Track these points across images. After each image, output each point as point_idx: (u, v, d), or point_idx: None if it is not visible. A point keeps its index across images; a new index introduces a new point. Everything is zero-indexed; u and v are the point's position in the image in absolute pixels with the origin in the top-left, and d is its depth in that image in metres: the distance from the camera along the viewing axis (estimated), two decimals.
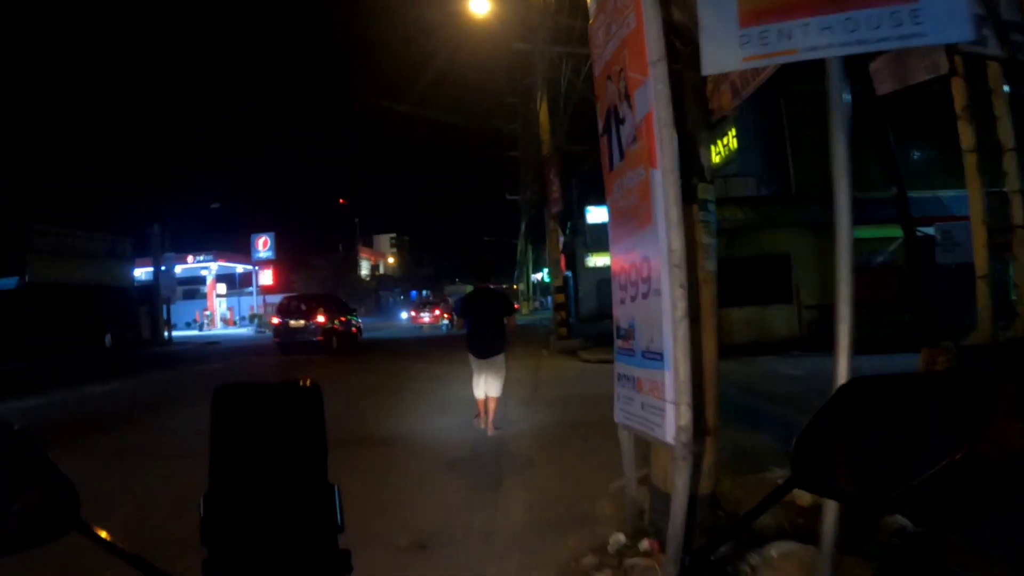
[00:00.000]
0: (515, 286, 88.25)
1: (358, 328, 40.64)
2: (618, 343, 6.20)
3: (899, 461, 1.25)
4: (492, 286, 13.47)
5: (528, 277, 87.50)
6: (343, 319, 36.84)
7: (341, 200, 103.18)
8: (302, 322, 34.03)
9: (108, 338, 46.94)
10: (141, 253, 56.02)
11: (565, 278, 31.60)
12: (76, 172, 59.67)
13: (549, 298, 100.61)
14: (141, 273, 58.34)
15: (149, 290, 54.44)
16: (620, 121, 5.73)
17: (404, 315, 70.53)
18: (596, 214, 51.16)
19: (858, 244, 17.86)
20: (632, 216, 5.59)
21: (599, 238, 51.02)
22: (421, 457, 10.55)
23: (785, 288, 26.38)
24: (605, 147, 6.25)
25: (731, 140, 24.08)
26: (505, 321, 11.94)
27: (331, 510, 1.40)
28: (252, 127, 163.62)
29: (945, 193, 24.66)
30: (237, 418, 1.42)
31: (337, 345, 34.44)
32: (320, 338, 33.51)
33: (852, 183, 4.71)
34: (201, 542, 1.35)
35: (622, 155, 5.79)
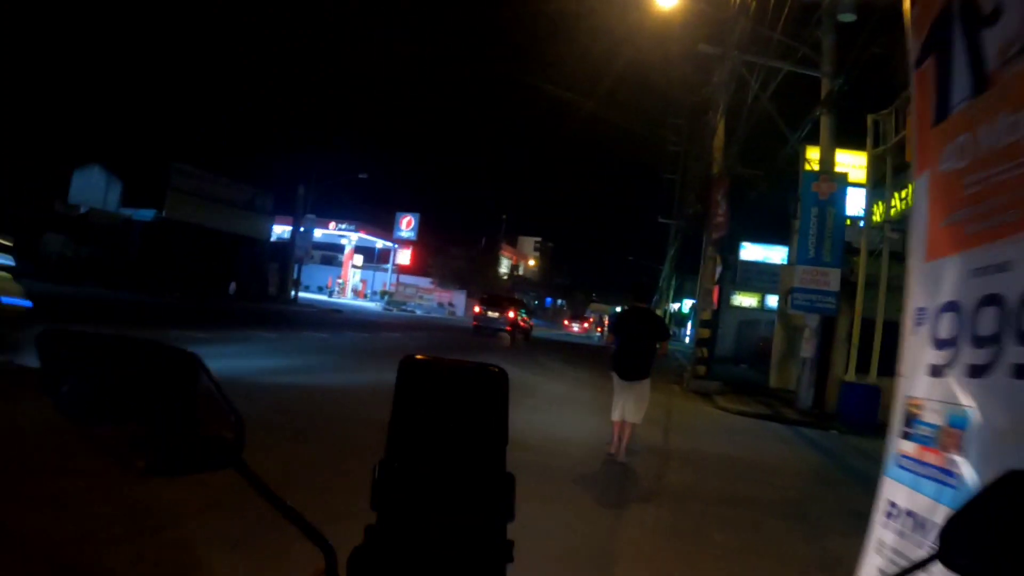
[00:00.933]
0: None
1: (531, 326, 53.39)
2: (904, 447, 3.08)
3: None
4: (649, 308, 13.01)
5: (667, 304, 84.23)
6: (525, 318, 49.90)
7: (495, 200, 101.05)
8: (497, 314, 45.60)
9: (232, 286, 46.31)
10: (283, 211, 55.61)
11: (713, 312, 27.98)
12: (231, 121, 58.66)
13: (683, 329, 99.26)
14: (281, 231, 57.46)
15: (284, 248, 53.84)
16: (984, 21, 2.75)
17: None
18: (750, 251, 48.17)
19: None
20: (1002, 202, 2.55)
21: (749, 277, 48.17)
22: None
23: None
24: (928, 82, 3.21)
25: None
26: (657, 345, 11.56)
27: (506, 497, 1.33)
28: (414, 106, 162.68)
29: None
30: (421, 391, 1.38)
31: (519, 334, 46.26)
32: (508, 328, 45.02)
33: None
34: (371, 506, 1.33)
35: (983, 84, 2.77)
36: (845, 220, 22.71)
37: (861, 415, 19.71)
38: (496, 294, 55.66)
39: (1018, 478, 1.29)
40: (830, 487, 11.77)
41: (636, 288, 12.52)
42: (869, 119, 21.02)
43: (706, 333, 27.66)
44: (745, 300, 51.15)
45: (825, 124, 22.34)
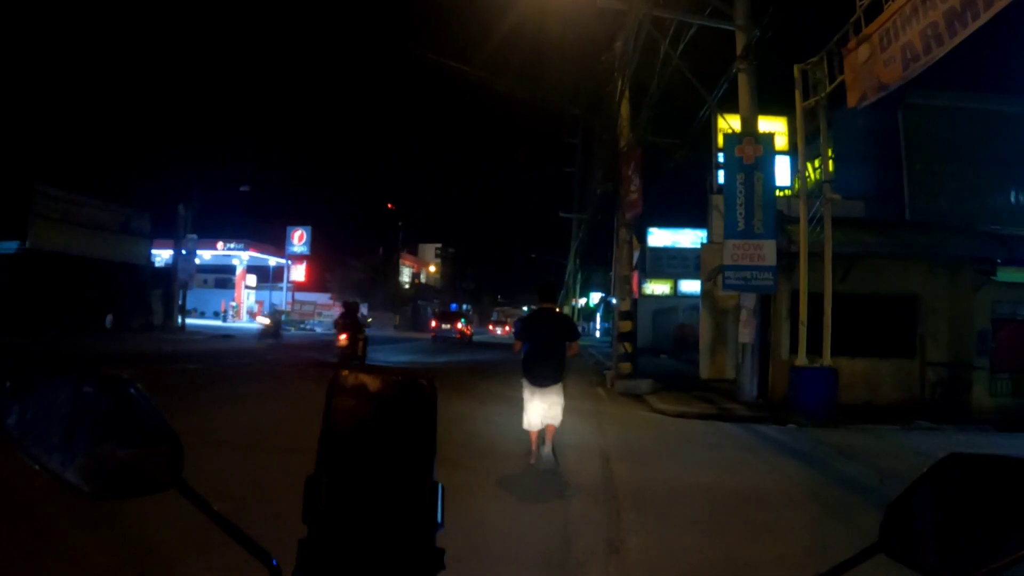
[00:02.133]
0: (557, 309, 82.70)
1: (472, 331, 66.49)
2: None
3: (988, 543, 1.23)
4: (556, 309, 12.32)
5: (574, 299, 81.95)
6: (467, 327, 63.53)
7: (389, 205, 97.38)
8: (449, 326, 60.56)
9: (109, 319, 42.95)
10: (164, 234, 51.99)
11: (633, 302, 24.89)
12: (99, 139, 54.56)
13: (592, 324, 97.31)
14: (165, 255, 54.06)
15: (167, 273, 50.38)
16: None
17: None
18: (659, 237, 45.56)
19: (1001, 289, 19.08)
20: None
21: (660, 263, 45.63)
22: None
23: (908, 338, 21.04)
24: None
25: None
26: (567, 347, 10.98)
27: (433, 507, 1.38)
28: (296, 111, 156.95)
29: None
30: (351, 405, 1.43)
31: (464, 338, 59.13)
32: (458, 335, 58.67)
33: None
34: (302, 519, 1.37)
35: None
36: (775, 185, 20.08)
37: (818, 403, 17.46)
38: (447, 311, 71.61)
39: (956, 462, 1.31)
40: (847, 519, 8.50)
41: (542, 289, 11.69)
42: (796, 69, 18.48)
43: (628, 326, 24.50)
44: (657, 288, 48.85)
45: (744, 82, 19.89)
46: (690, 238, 44.05)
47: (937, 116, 23.78)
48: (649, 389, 21.75)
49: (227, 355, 29.95)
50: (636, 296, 23.74)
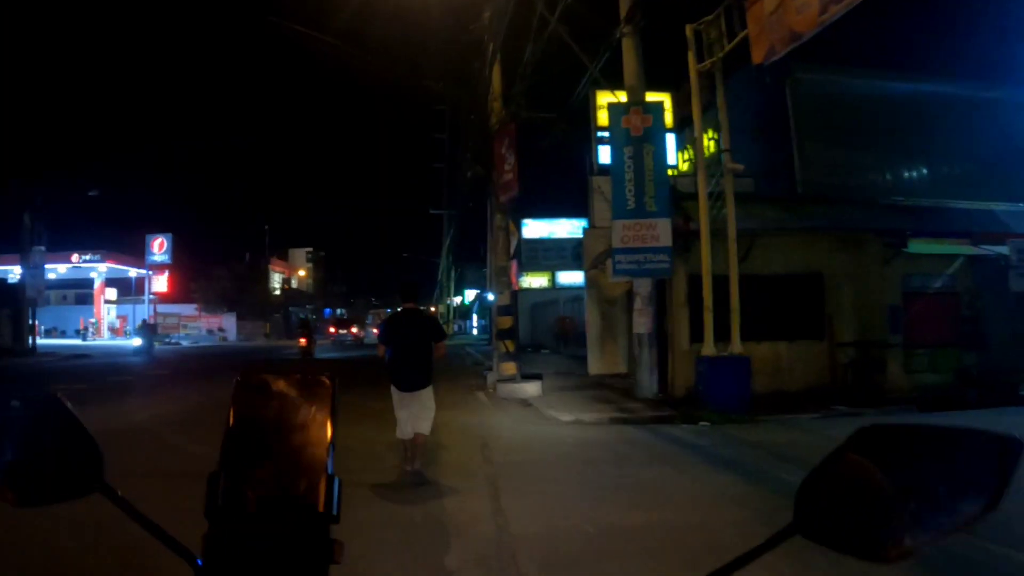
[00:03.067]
0: (433, 308, 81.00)
1: (364, 333, 68.51)
2: None
3: (907, 517, 1.18)
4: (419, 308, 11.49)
5: (449, 297, 79.67)
6: (359, 329, 70.46)
7: (255, 212, 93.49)
8: (345, 330, 66.55)
9: None
10: (9, 247, 47.81)
11: (513, 295, 22.32)
12: None
13: (468, 322, 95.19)
14: (10, 270, 50.16)
15: (13, 290, 45.68)
16: None
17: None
18: (533, 228, 43.20)
19: (912, 261, 19.05)
20: None
21: (535, 255, 43.30)
22: None
23: (815, 318, 19.33)
24: None
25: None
26: (434, 347, 10.48)
27: (329, 499, 1.41)
28: (152, 110, 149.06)
29: (1000, 206, 21.31)
30: (252, 404, 1.48)
31: (356, 339, 64.94)
32: (353, 338, 64.85)
33: None
34: (204, 515, 1.39)
35: None
36: (667, 158, 18.01)
37: (730, 395, 15.70)
38: (341, 318, 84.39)
39: (867, 436, 1.27)
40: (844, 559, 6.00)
41: (404, 288, 11.21)
42: (689, 29, 16.63)
43: (508, 322, 21.79)
44: (535, 280, 46.58)
45: (629, 47, 17.79)
46: (566, 228, 41.77)
47: (825, 91, 22.38)
48: (537, 392, 19.23)
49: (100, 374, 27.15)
50: (516, 288, 21.19)
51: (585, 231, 25.57)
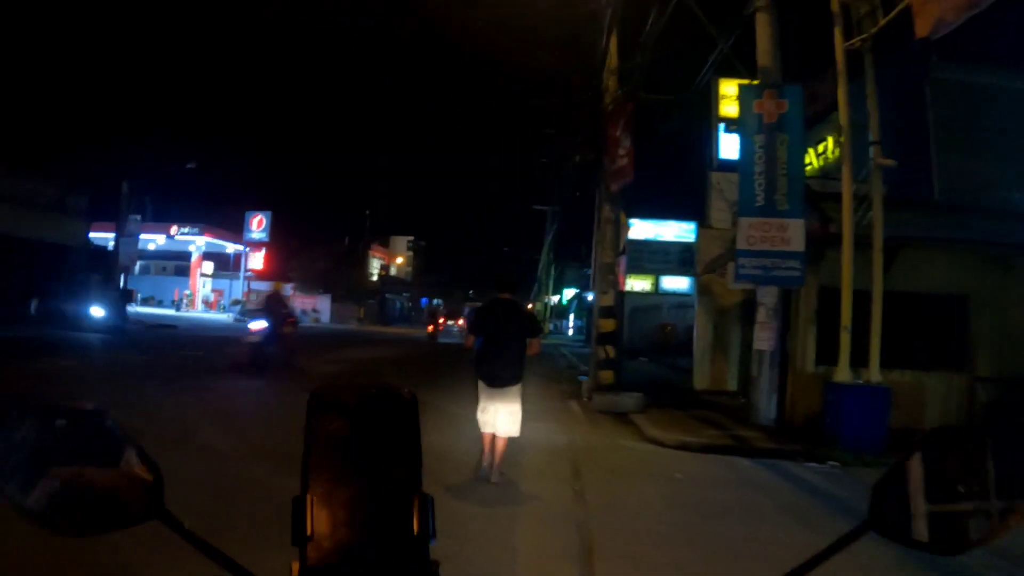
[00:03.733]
0: (530, 304, 79.24)
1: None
2: None
3: (978, 515, 1.23)
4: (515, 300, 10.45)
5: (547, 295, 77.55)
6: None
7: (358, 197, 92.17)
8: (452, 322, 66.08)
9: (34, 304, 37.53)
10: (106, 215, 46.30)
11: (618, 296, 19.96)
12: (37, 110, 49.27)
13: (565, 322, 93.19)
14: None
15: (107, 257, 44.54)
16: None
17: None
18: (639, 228, 40.79)
19: None
20: None
21: (640, 257, 40.88)
22: None
23: (956, 347, 16.65)
24: None
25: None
26: (527, 343, 9.75)
27: (424, 519, 1.36)
28: (259, 89, 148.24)
29: None
30: (331, 421, 1.40)
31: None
32: (460, 330, 58.88)
33: None
34: (292, 543, 1.32)
35: None
36: (804, 151, 15.75)
37: (866, 431, 13.25)
38: (453, 308, 79.62)
39: (941, 435, 1.31)
40: None
41: (499, 278, 10.47)
42: (835, 2, 14.15)
43: (611, 325, 19.46)
44: (636, 284, 44.02)
45: (764, 23, 15.66)
46: (674, 231, 39.14)
47: (969, 93, 19.44)
48: (637, 406, 16.91)
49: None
50: (622, 288, 18.86)
51: (700, 231, 23.13)
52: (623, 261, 18.47)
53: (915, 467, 1.29)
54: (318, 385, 1.41)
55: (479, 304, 14.76)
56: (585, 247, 56.09)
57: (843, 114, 14.49)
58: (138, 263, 76.91)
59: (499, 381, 9.56)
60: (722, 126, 20.11)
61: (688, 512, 8.80)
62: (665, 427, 14.23)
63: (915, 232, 15.73)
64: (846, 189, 14.06)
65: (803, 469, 11.73)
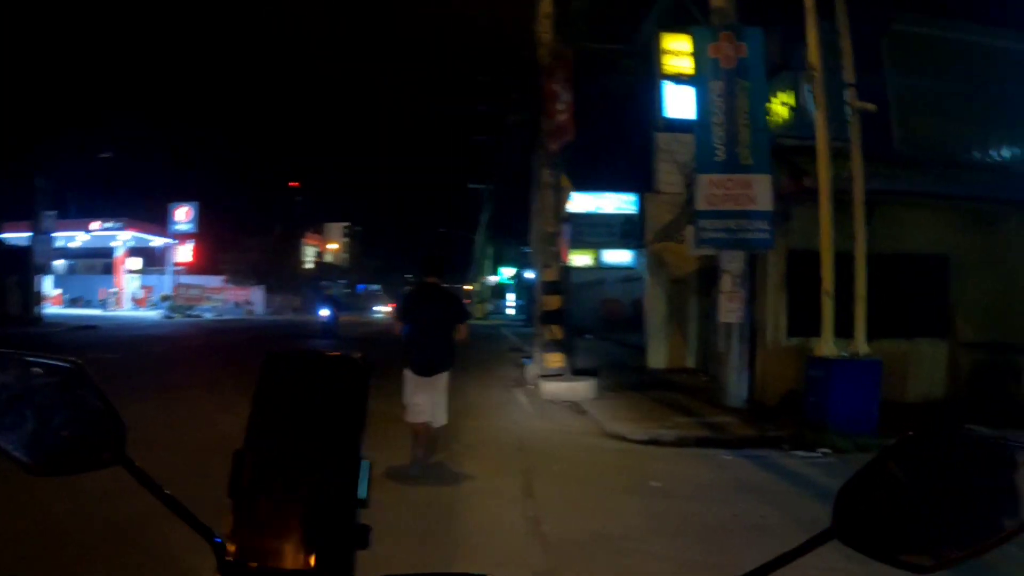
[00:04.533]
0: (468, 286, 77.43)
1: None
2: None
3: (948, 525, 1.14)
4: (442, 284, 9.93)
5: (485, 276, 75.75)
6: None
7: (292, 183, 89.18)
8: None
9: None
10: (22, 214, 43.77)
11: (564, 271, 17.76)
12: None
13: (504, 302, 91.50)
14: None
15: (22, 257, 41.90)
16: None
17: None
18: (578, 202, 38.84)
19: None
20: None
21: (580, 231, 39.02)
22: None
23: (938, 312, 15.31)
24: None
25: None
26: (456, 329, 9.40)
27: (359, 483, 1.34)
28: (187, 73, 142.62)
29: None
30: (281, 383, 1.42)
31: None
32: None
33: None
34: (227, 495, 1.31)
35: None
36: (766, 98, 14.17)
37: (855, 411, 11.50)
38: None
39: (910, 443, 1.22)
40: None
41: (426, 260, 9.83)
42: None
43: (555, 302, 17.30)
44: (578, 259, 42.35)
45: None
46: (614, 203, 37.50)
47: (928, 46, 17.90)
48: (591, 393, 14.91)
49: None
50: (565, 260, 16.80)
51: (647, 197, 21.02)
52: (567, 230, 16.45)
53: (884, 474, 1.19)
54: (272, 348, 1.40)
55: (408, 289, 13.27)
56: (523, 224, 54.81)
57: (813, 52, 12.62)
58: (65, 262, 74.44)
59: (428, 369, 9.21)
60: (666, 83, 18.72)
61: (681, 540, 6.75)
62: (627, 417, 12.34)
63: (897, 186, 14.03)
64: (821, 137, 12.26)
65: (796, 461, 9.97)
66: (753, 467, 9.59)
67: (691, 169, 18.02)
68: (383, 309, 48.08)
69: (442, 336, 9.35)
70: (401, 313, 9.65)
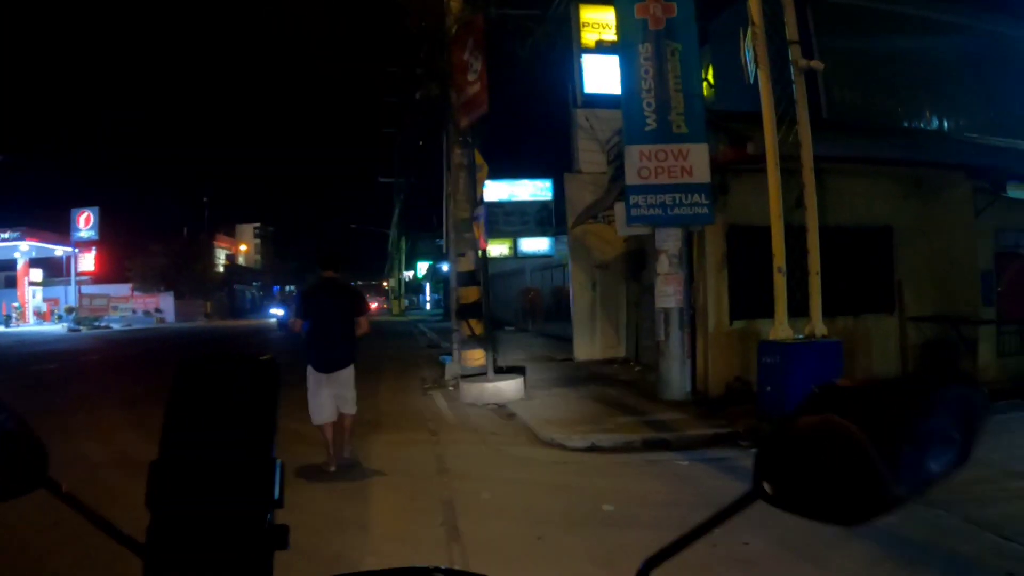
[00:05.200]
0: (384, 282, 75.88)
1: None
2: None
3: (872, 477, 1.07)
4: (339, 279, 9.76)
5: (400, 271, 73.92)
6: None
7: (195, 185, 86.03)
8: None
9: None
10: None
11: (482, 260, 16.01)
12: None
13: (422, 296, 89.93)
14: None
15: None
16: None
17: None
18: (493, 190, 37.66)
19: (1009, 212, 13.66)
20: None
21: (494, 220, 37.73)
22: None
23: (884, 286, 14.47)
24: None
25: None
26: (356, 322, 9.22)
27: (272, 483, 1.33)
28: (74, 71, 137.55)
29: None
30: (192, 389, 1.40)
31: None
32: None
33: None
34: (145, 504, 1.30)
35: None
36: (698, 63, 12.82)
37: None
38: None
39: (827, 396, 1.12)
40: None
41: (323, 255, 9.58)
42: None
43: (473, 293, 15.63)
44: (494, 249, 40.85)
45: None
46: (529, 190, 36.08)
47: (852, 16, 16.62)
48: (518, 392, 13.32)
49: None
50: (483, 247, 15.12)
51: (566, 178, 19.38)
52: (483, 213, 14.87)
53: (803, 428, 1.10)
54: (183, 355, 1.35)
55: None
56: (436, 217, 53.83)
57: (755, 8, 11.23)
58: None
59: (330, 365, 9.03)
60: (585, 56, 17.93)
61: None
62: (561, 420, 10.81)
63: (839, 151, 12.74)
64: (766, 98, 11.03)
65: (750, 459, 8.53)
66: (716, 474, 8.14)
67: (614, 144, 16.70)
68: (278, 311, 45.04)
69: (342, 331, 9.15)
70: (300, 310, 9.39)
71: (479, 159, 15.05)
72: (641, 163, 11.45)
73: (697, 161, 11.49)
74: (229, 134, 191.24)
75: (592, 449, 9.41)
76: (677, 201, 11.48)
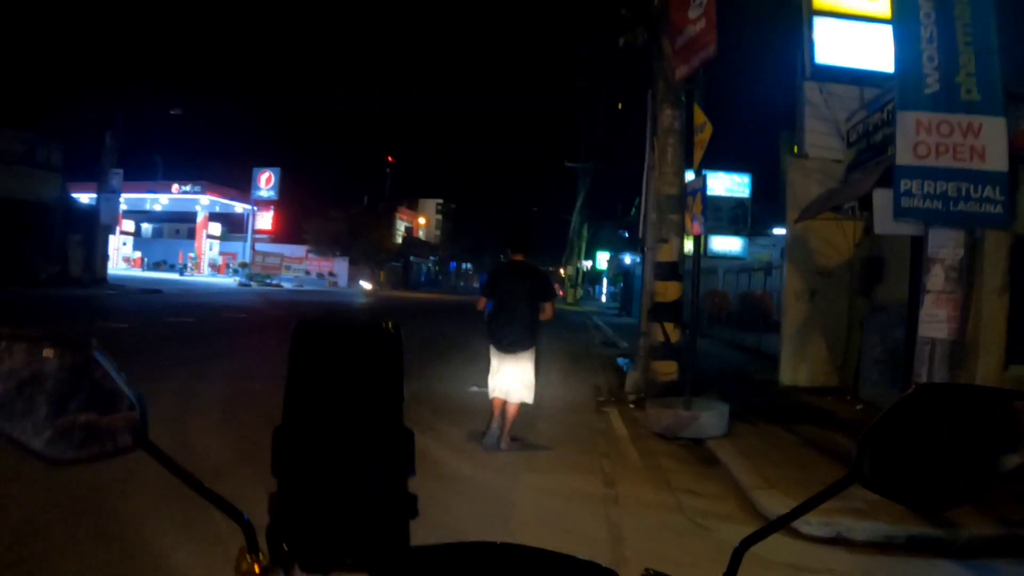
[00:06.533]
0: (561, 269, 73.86)
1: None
2: None
3: (960, 473, 1.21)
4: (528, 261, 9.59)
5: (579, 260, 71.33)
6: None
7: (389, 158, 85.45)
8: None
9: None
10: (87, 172, 42.16)
11: (693, 247, 12.78)
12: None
13: (599, 287, 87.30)
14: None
15: (87, 216, 39.68)
16: None
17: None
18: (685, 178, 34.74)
19: None
20: None
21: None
22: None
23: None
24: None
25: None
26: (540, 307, 9.10)
27: (404, 454, 1.31)
28: (264, 33, 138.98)
29: None
30: (315, 356, 1.33)
31: None
32: None
33: None
34: (272, 473, 1.27)
35: None
36: (993, 10, 9.58)
37: None
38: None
39: (927, 392, 1.26)
40: None
41: (512, 235, 9.56)
42: None
43: (674, 291, 12.86)
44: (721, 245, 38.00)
45: None
46: (724, 184, 32.44)
47: None
48: (720, 427, 10.14)
49: None
50: (697, 232, 12.06)
51: (791, 163, 16.09)
52: (703, 187, 11.95)
53: (900, 420, 1.22)
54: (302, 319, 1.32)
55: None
56: (620, 205, 51.10)
57: None
58: (151, 226, 73.07)
59: (509, 346, 8.99)
60: (817, 19, 15.04)
61: None
62: (783, 479, 7.74)
63: None
64: None
65: None
66: None
67: (858, 122, 13.63)
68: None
69: (525, 313, 9.05)
70: (486, 289, 9.47)
71: (700, 116, 11.86)
72: (918, 136, 8.33)
73: (991, 141, 8.32)
74: (419, 110, 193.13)
75: (836, 541, 6.30)
76: (963, 193, 8.32)
